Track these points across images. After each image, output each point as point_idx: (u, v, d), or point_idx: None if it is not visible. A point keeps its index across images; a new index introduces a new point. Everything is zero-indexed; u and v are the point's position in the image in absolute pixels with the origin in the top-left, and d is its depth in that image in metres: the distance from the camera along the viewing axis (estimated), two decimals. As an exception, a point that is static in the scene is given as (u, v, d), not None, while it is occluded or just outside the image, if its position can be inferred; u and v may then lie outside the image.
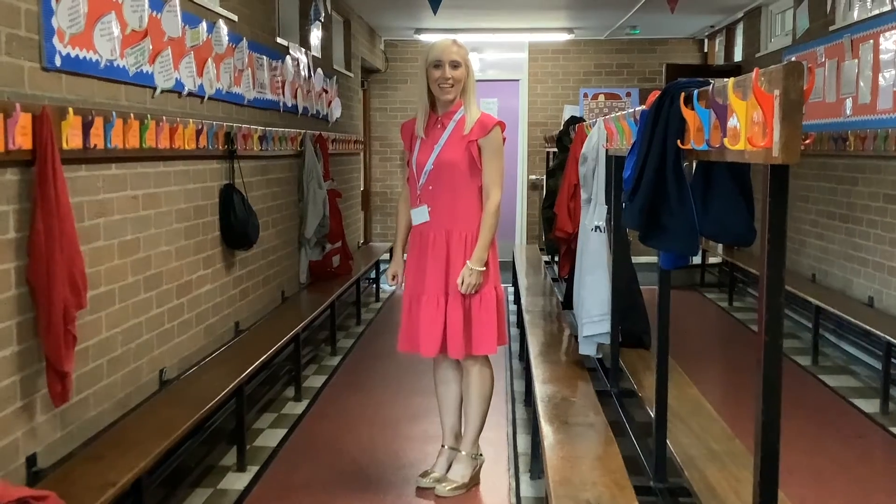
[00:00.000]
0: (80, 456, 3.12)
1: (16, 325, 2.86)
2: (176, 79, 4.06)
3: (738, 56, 9.90)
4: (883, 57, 5.63)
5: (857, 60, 6.06)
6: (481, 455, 3.92)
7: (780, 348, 1.80)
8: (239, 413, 4.14)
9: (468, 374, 3.78)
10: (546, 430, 3.38)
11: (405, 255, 3.87)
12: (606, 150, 4.17)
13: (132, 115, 3.56)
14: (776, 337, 1.78)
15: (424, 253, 3.71)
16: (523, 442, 4.46)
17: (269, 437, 4.57)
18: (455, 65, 3.59)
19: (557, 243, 6.24)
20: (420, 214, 3.70)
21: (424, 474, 3.88)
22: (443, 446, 3.93)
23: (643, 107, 2.82)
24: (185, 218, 4.30)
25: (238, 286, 5.15)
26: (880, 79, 5.67)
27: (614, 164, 4.00)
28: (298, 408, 5.08)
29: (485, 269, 3.62)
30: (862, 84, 5.97)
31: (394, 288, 9.22)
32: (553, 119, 11.47)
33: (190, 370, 4.21)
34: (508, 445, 4.41)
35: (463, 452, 3.84)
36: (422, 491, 3.81)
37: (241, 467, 4.10)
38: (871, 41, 5.80)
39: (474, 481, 3.86)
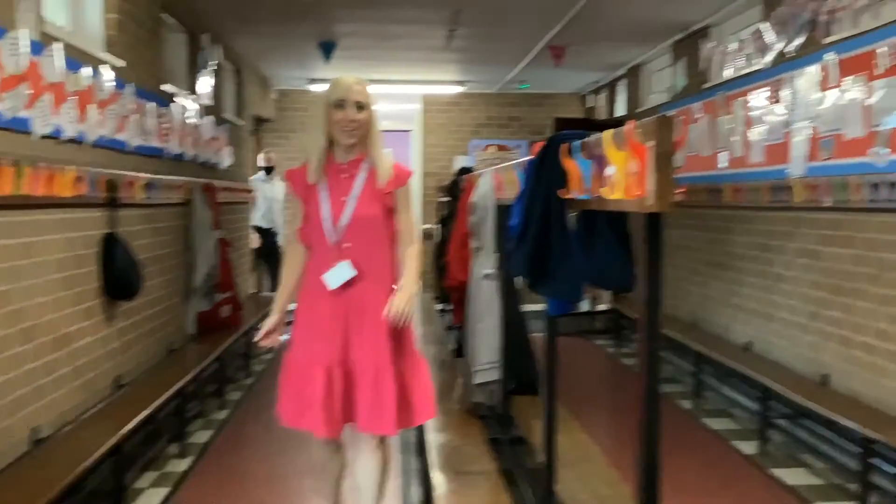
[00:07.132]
0: (-60, 523, 2.92)
1: None
2: (55, 124, 3.93)
3: (620, 111, 10.31)
4: (753, 113, 5.97)
5: (730, 116, 6.40)
6: None
7: (658, 391, 1.85)
8: (118, 472, 3.95)
9: None
10: (438, 479, 3.36)
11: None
12: (496, 200, 4.25)
13: (5, 160, 3.42)
14: (654, 380, 1.83)
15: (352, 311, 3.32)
16: (416, 494, 4.41)
17: (151, 497, 4.37)
18: (360, 106, 3.16)
19: (450, 292, 6.27)
20: (340, 273, 3.24)
21: None
22: None
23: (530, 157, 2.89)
24: (63, 268, 4.13)
25: (121, 338, 4.96)
26: (751, 133, 6.00)
27: (502, 212, 4.08)
28: (183, 465, 4.89)
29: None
30: (735, 138, 6.30)
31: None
32: (446, 169, 11.61)
33: (65, 427, 4.01)
34: (401, 498, 4.34)
35: None
36: None
37: (120, 529, 3.91)
38: (742, 98, 6.15)
39: None
